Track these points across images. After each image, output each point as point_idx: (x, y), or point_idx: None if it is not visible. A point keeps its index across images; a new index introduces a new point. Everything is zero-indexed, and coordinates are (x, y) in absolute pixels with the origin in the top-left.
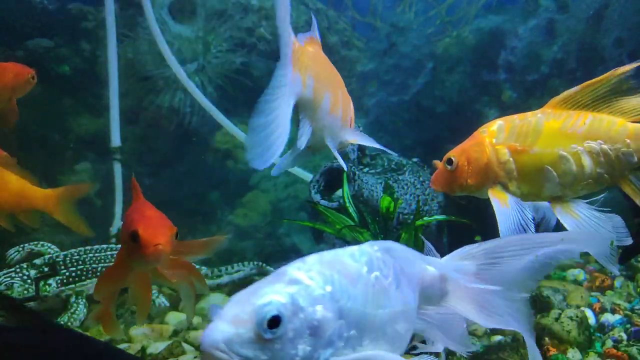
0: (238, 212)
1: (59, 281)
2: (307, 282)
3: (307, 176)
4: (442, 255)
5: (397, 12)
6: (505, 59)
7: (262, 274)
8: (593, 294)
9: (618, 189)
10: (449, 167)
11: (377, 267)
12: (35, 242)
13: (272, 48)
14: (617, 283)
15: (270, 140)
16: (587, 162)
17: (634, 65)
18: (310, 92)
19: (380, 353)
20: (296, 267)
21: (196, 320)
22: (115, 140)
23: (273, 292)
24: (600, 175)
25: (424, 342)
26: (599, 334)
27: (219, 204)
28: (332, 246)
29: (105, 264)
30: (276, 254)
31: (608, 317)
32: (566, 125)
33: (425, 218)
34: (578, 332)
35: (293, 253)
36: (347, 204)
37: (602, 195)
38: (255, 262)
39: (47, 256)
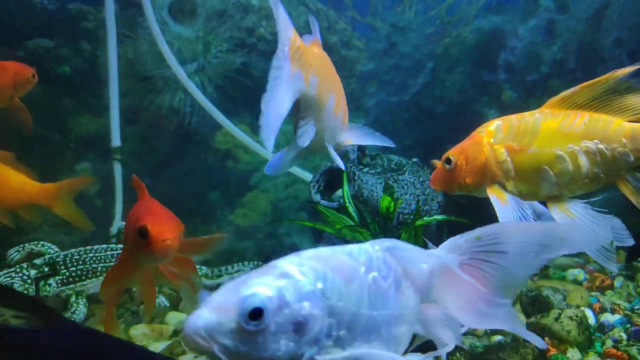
0: (238, 212)
1: (59, 281)
2: (297, 277)
3: (307, 176)
4: None
5: (397, 12)
6: (505, 59)
7: None
8: (593, 293)
9: (616, 188)
10: (447, 166)
11: (376, 268)
12: (36, 242)
13: (272, 48)
14: (617, 283)
15: (265, 122)
16: (583, 161)
17: (633, 67)
18: (314, 90)
19: (371, 351)
20: (289, 260)
21: None
22: (116, 140)
23: (260, 284)
24: (596, 174)
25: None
26: (598, 334)
27: (219, 204)
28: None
29: (106, 264)
30: (276, 254)
31: (608, 317)
32: (563, 125)
33: (425, 218)
34: (578, 332)
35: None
36: (347, 204)
37: (602, 195)
38: (255, 262)
39: (47, 256)
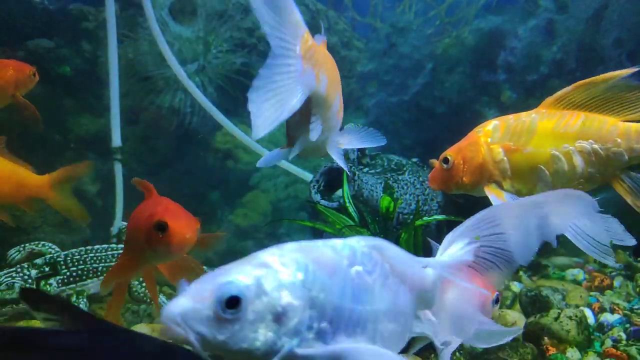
0: (238, 212)
1: (59, 281)
2: (277, 267)
3: (307, 176)
4: None
5: (397, 13)
6: (505, 60)
7: None
8: (592, 293)
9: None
10: (445, 165)
11: (360, 262)
12: (36, 242)
13: None
14: (617, 283)
15: (266, 115)
16: (578, 161)
17: (630, 70)
18: (324, 89)
19: (355, 346)
20: (269, 252)
21: None
22: (116, 140)
23: (239, 273)
24: (591, 174)
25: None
26: (598, 334)
27: (219, 204)
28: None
29: (106, 264)
30: None
31: (607, 317)
32: (559, 125)
33: (424, 218)
34: (577, 331)
35: None
36: (347, 204)
37: (600, 195)
38: None
39: (48, 256)
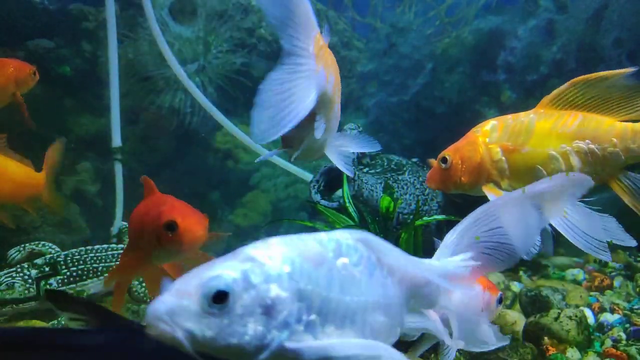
0: (238, 212)
1: (60, 281)
2: (263, 260)
3: (307, 176)
4: None
5: (397, 13)
6: (505, 60)
7: None
8: (592, 293)
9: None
10: (443, 165)
11: (345, 254)
12: (36, 242)
13: (273, 48)
14: (616, 283)
15: (280, 115)
16: (575, 161)
17: (627, 70)
18: (331, 90)
19: (344, 341)
20: (254, 246)
21: None
22: (116, 140)
23: (224, 267)
24: (589, 174)
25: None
26: (598, 334)
27: (219, 204)
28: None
29: (106, 264)
30: None
31: (607, 317)
32: (557, 125)
33: (424, 218)
34: (577, 331)
35: None
36: (347, 204)
37: (597, 195)
38: None
39: (48, 256)
